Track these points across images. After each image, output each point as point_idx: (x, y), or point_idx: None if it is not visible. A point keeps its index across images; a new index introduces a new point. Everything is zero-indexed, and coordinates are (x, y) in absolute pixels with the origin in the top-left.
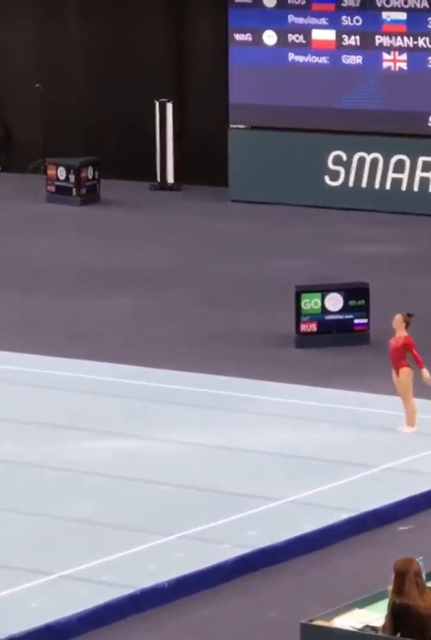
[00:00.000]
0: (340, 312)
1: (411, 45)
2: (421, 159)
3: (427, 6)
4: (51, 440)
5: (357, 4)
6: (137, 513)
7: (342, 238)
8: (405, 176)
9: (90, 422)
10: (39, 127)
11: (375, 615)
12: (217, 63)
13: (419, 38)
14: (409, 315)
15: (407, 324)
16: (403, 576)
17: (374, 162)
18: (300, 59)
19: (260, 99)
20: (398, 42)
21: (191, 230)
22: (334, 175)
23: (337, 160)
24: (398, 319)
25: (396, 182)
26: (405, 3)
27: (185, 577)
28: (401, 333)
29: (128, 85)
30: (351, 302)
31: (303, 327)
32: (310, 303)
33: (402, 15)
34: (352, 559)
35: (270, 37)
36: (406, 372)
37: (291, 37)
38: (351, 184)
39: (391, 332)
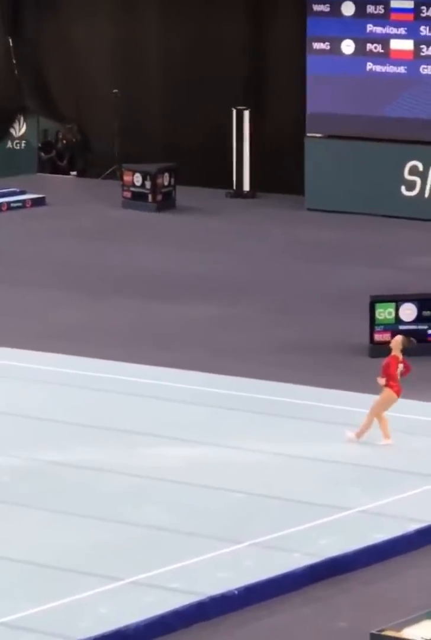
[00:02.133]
0: (414, 322)
1: None
2: None
3: None
4: (125, 447)
5: None
6: (208, 520)
7: (417, 248)
8: None
9: (164, 428)
10: (116, 133)
11: None
12: (295, 71)
13: None
14: (409, 341)
15: (404, 349)
16: None
17: None
18: (378, 68)
19: (337, 108)
20: None
21: (266, 238)
22: (410, 185)
23: (413, 171)
24: (397, 341)
25: None
26: None
27: (254, 585)
28: (395, 354)
29: (205, 93)
30: (426, 313)
31: (377, 337)
32: (384, 313)
33: None
34: (423, 570)
35: (348, 46)
36: (387, 392)
37: (369, 47)
38: (427, 194)
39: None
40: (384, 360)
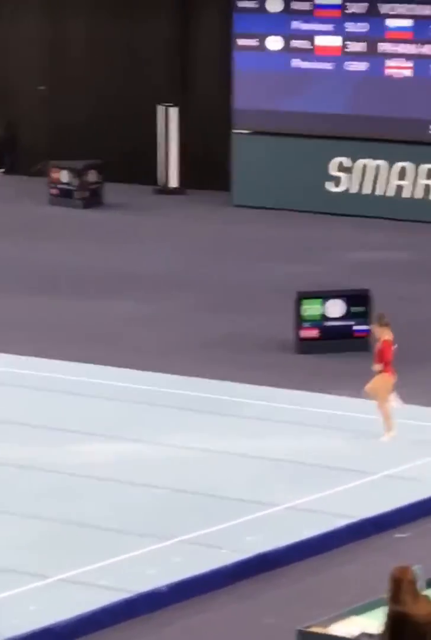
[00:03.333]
0: (341, 318)
1: (415, 52)
2: (424, 166)
3: None
4: (51, 444)
5: (362, 11)
6: (136, 517)
7: (344, 244)
8: (407, 183)
9: (90, 425)
10: (43, 130)
11: (372, 622)
12: (221, 68)
13: (423, 45)
14: (380, 318)
15: (386, 325)
16: (399, 584)
17: (377, 168)
18: (305, 64)
19: (263, 104)
20: (403, 49)
21: (194, 234)
22: (336, 181)
23: (340, 167)
24: (375, 327)
25: (399, 189)
26: (410, 11)
27: (183, 581)
28: (386, 338)
29: (132, 89)
30: (352, 309)
31: (304, 333)
32: (311, 309)
33: (407, 22)
34: (350, 566)
35: (274, 43)
36: (385, 377)
37: (295, 43)
38: (353, 190)
39: (394, 340)
40: (376, 347)
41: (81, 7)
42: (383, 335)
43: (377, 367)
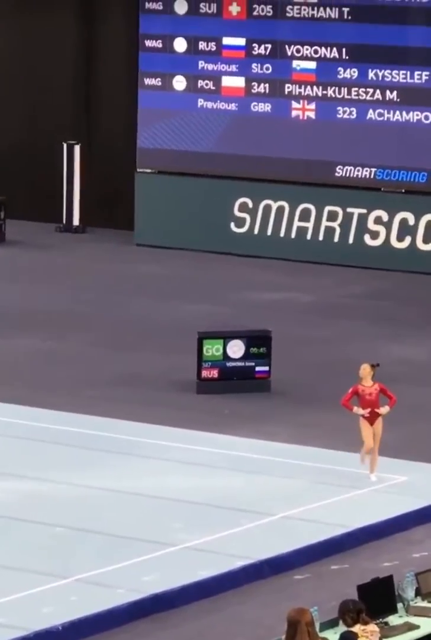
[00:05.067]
0: (242, 359)
1: (320, 94)
2: (327, 208)
3: (336, 56)
4: None
5: (267, 52)
6: (33, 555)
7: (246, 285)
8: (310, 225)
9: None
10: None
11: None
12: (126, 106)
13: (328, 88)
14: (374, 366)
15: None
16: (296, 626)
17: (280, 210)
18: (209, 104)
19: (168, 144)
20: (307, 90)
21: (96, 273)
22: (240, 222)
23: (243, 207)
24: (366, 368)
25: (302, 231)
26: (315, 52)
27: (79, 620)
28: (370, 382)
29: (36, 126)
30: (253, 350)
31: (205, 373)
32: (212, 349)
33: (312, 64)
34: (247, 607)
35: (179, 82)
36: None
37: (200, 83)
38: (256, 231)
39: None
40: (374, 392)
41: None
42: (370, 379)
43: (384, 409)
